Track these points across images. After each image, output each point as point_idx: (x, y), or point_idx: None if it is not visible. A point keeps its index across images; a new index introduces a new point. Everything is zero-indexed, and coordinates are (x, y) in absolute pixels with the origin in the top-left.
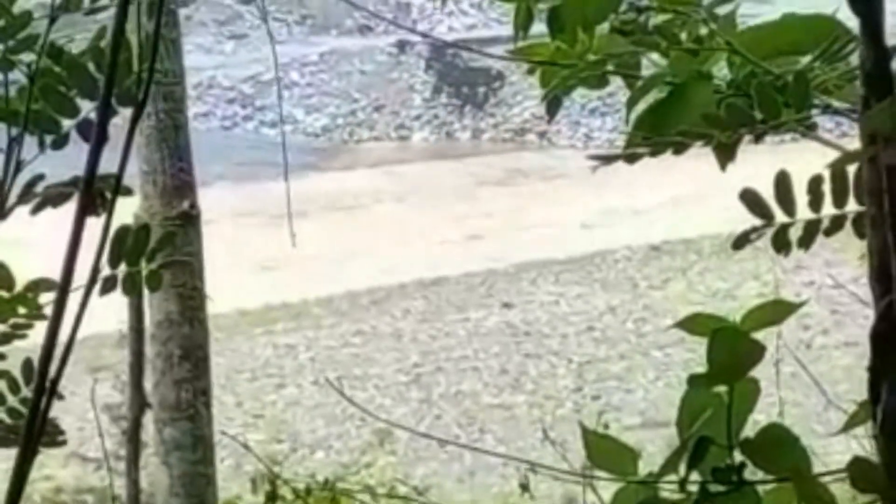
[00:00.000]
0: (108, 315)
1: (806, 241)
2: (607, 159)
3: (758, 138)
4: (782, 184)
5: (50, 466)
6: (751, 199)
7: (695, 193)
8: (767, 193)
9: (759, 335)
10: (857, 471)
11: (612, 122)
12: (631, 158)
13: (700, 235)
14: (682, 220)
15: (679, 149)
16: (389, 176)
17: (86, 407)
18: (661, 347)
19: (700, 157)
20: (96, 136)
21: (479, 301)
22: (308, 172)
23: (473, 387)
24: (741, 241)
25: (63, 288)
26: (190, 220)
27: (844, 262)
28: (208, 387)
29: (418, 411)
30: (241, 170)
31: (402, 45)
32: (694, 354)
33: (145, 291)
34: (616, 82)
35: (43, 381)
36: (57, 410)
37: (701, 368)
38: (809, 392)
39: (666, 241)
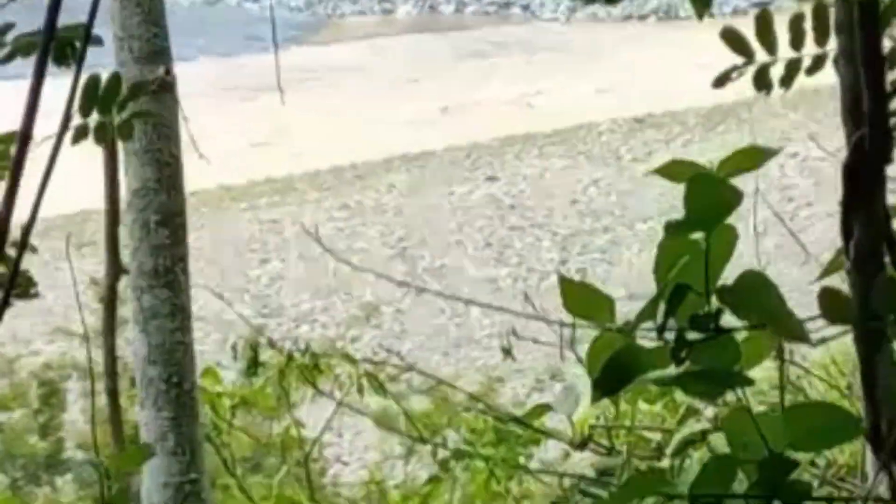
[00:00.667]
0: (95, 192)
1: (787, 81)
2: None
3: None
4: (763, 22)
5: (37, 342)
6: (731, 37)
7: (678, 66)
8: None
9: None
10: (828, 302)
11: None
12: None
13: (684, 108)
14: (665, 91)
15: None
16: (373, 49)
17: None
18: (646, 220)
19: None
20: None
21: (463, 175)
22: (291, 46)
23: (458, 260)
24: (722, 80)
25: (24, 134)
26: (166, 87)
27: (830, 133)
28: (185, 254)
29: (404, 285)
30: (224, 44)
31: None
32: None
33: (121, 160)
34: None
35: (4, 232)
36: (43, 287)
37: None
38: (793, 264)
39: (650, 113)
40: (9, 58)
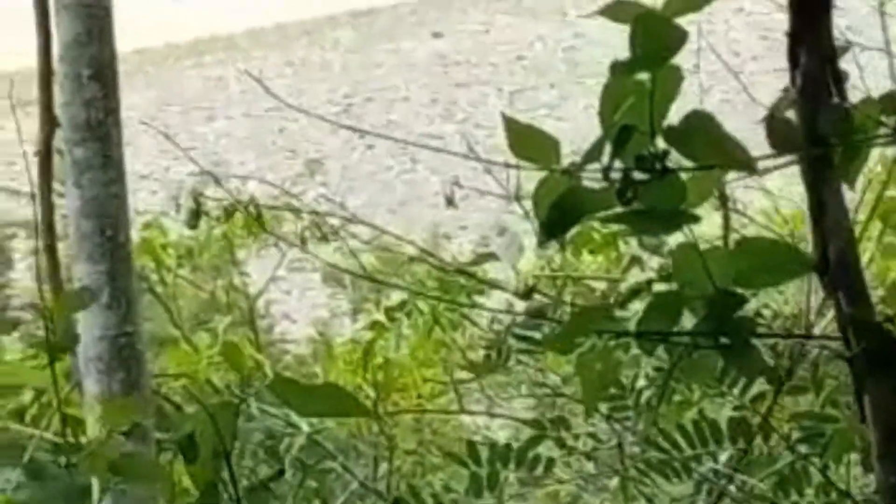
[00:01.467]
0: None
1: None
2: None
3: None
4: None
5: None
6: None
7: None
8: None
9: (686, 56)
10: (775, 129)
11: None
12: None
13: None
14: None
15: None
16: None
17: (15, 141)
18: (596, 76)
19: None
20: None
21: (408, 31)
22: None
23: (404, 117)
24: None
25: None
26: None
27: None
28: (117, 106)
29: (349, 141)
30: None
31: None
32: None
33: (52, 12)
34: None
35: None
36: None
37: None
38: (741, 118)
39: None
40: None
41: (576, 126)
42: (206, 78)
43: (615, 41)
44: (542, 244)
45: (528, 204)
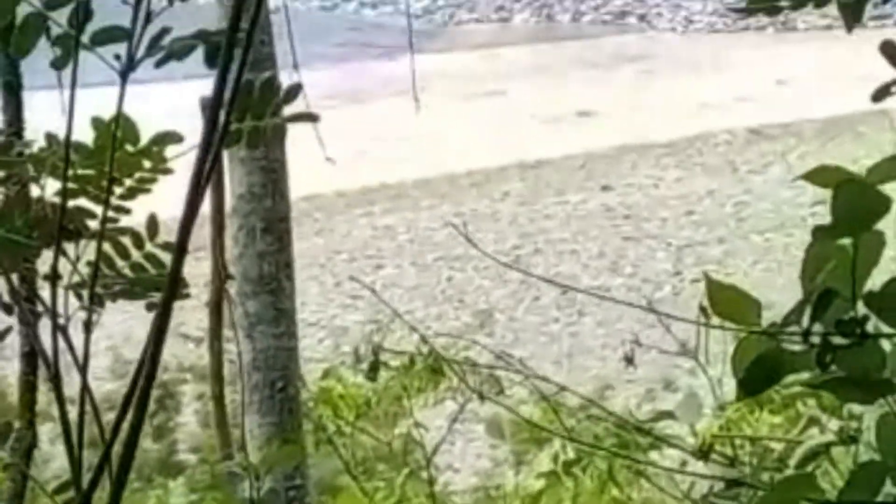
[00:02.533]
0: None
1: None
2: (745, 11)
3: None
4: None
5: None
6: (891, 51)
7: (793, 78)
8: (867, 81)
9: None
10: None
11: (712, 5)
12: (771, 12)
13: (800, 119)
14: (782, 104)
15: (801, 5)
16: (489, 58)
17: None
18: (761, 232)
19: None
20: None
21: (578, 184)
22: (408, 54)
23: (572, 269)
24: (880, 94)
25: (206, 139)
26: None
27: None
28: (291, 260)
29: (517, 293)
30: (341, 51)
31: None
32: (793, 239)
33: (225, 166)
34: None
35: (185, 241)
36: None
37: (800, 252)
38: None
39: (765, 124)
40: (164, 60)
41: (743, 281)
42: (374, 226)
43: (783, 196)
44: (740, 399)
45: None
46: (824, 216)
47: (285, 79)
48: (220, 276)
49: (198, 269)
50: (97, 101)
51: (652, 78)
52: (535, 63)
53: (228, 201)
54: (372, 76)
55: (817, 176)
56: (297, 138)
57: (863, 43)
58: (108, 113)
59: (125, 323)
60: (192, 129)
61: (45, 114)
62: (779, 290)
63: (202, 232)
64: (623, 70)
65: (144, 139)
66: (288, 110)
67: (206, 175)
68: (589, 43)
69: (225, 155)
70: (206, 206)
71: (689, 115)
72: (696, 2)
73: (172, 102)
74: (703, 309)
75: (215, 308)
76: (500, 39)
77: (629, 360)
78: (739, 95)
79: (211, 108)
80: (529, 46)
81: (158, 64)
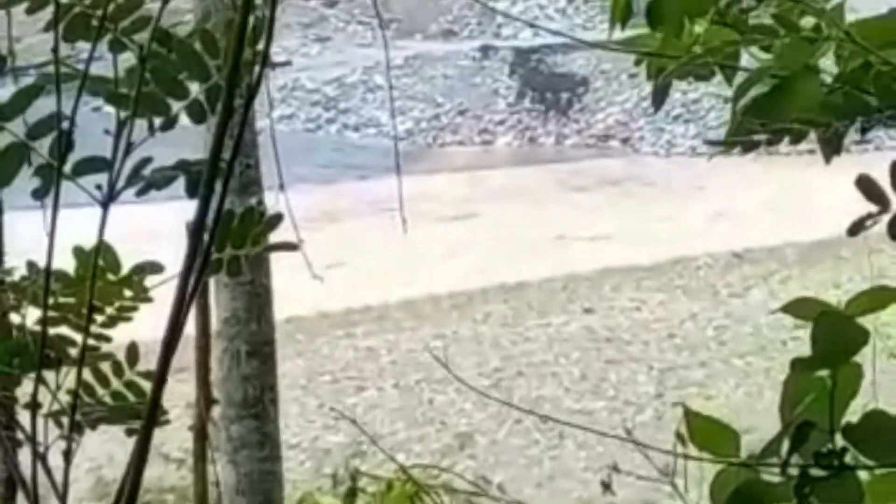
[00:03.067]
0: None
1: None
2: (721, 144)
3: (864, 131)
4: None
5: None
6: (866, 185)
7: (776, 202)
8: (851, 204)
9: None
10: None
11: (694, 129)
12: (748, 147)
13: (783, 243)
14: (764, 228)
15: (777, 141)
16: (472, 180)
17: (167, 406)
18: (742, 356)
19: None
20: (223, 114)
21: (560, 306)
22: (390, 176)
23: (554, 392)
24: (856, 228)
25: (187, 270)
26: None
27: None
28: (275, 384)
29: (498, 415)
30: (325, 172)
31: (486, 50)
32: (773, 363)
33: (211, 289)
34: (701, 88)
35: (164, 371)
36: None
37: (781, 376)
38: None
39: (748, 248)
40: (145, 190)
41: (724, 405)
42: (356, 348)
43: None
44: None
45: (681, 484)
46: (804, 340)
47: (272, 199)
48: (205, 399)
49: (181, 390)
50: (82, 222)
51: (634, 201)
52: (517, 185)
53: (214, 324)
54: (355, 197)
55: (797, 308)
56: (279, 259)
57: (845, 167)
58: (91, 235)
59: (107, 444)
60: (174, 250)
61: (28, 234)
62: (760, 415)
63: (186, 353)
64: (605, 193)
65: (128, 261)
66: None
67: (187, 303)
68: (572, 166)
69: (211, 278)
70: (191, 328)
71: (670, 238)
72: (679, 125)
73: (154, 224)
74: (680, 436)
75: (200, 432)
76: (484, 162)
77: (606, 487)
78: (721, 219)
79: (192, 236)
80: (512, 169)
81: (139, 193)
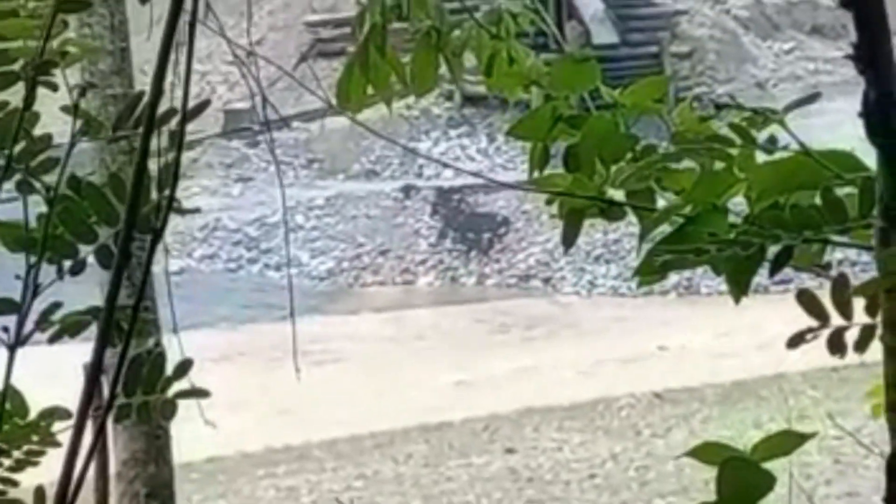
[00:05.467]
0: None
1: (862, 344)
2: (652, 271)
3: (773, 272)
4: (840, 288)
5: None
6: (807, 300)
7: (696, 342)
8: (772, 342)
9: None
10: None
11: (616, 270)
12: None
13: (703, 384)
14: (685, 368)
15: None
16: (394, 320)
17: None
18: (664, 496)
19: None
20: (118, 260)
21: (481, 446)
22: (312, 315)
23: None
24: (796, 341)
25: (81, 415)
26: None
27: (848, 411)
28: None
29: None
30: (245, 312)
31: (407, 190)
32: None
33: (110, 431)
34: (621, 229)
35: None
36: None
37: None
38: None
39: (669, 388)
40: (56, 336)
41: None
42: (278, 488)
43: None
44: None
45: None
46: None
47: (187, 340)
48: None
49: None
50: None
51: (555, 341)
52: (438, 325)
53: (112, 466)
54: (276, 337)
55: (703, 452)
56: (196, 403)
57: (765, 308)
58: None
59: None
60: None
61: None
62: None
63: (87, 496)
64: (526, 332)
65: (37, 403)
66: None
67: (90, 448)
68: (492, 306)
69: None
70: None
71: (591, 379)
72: (600, 265)
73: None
74: None
75: None
76: (405, 302)
77: None
78: (641, 359)
79: (89, 380)
80: (433, 309)
81: (51, 340)
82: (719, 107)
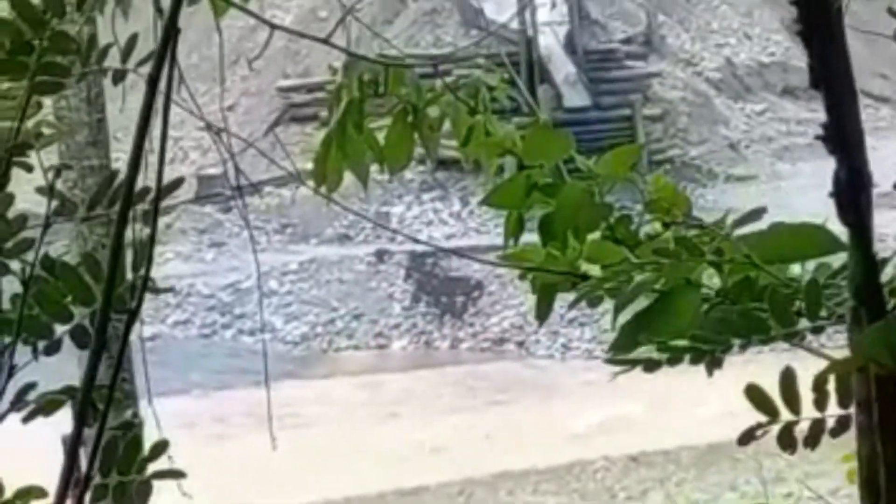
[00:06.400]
0: None
1: (812, 441)
2: (622, 363)
3: (743, 347)
4: (787, 381)
5: None
6: (756, 395)
7: (671, 404)
8: (744, 407)
9: None
10: None
11: (590, 333)
12: (650, 367)
13: (678, 446)
14: (660, 431)
15: (668, 362)
16: (368, 385)
17: None
18: None
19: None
20: (96, 343)
21: None
22: (286, 380)
23: None
24: (746, 438)
25: (61, 496)
26: (132, 429)
27: (824, 473)
28: None
29: None
30: (219, 377)
31: (381, 254)
32: None
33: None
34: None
35: None
36: None
37: None
38: None
39: (644, 451)
40: (31, 416)
41: None
42: None
43: None
44: None
45: None
46: None
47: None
48: None
49: None
50: None
51: (529, 404)
52: (413, 389)
53: None
54: (250, 402)
55: None
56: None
57: (742, 370)
58: None
59: None
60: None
61: None
62: None
63: None
64: (501, 396)
65: (13, 481)
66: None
67: None
68: (466, 369)
69: None
70: None
71: (566, 442)
72: (574, 328)
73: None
74: None
75: None
76: (379, 366)
77: None
78: (617, 422)
79: (68, 457)
80: (407, 373)
81: (26, 420)
82: (666, 225)
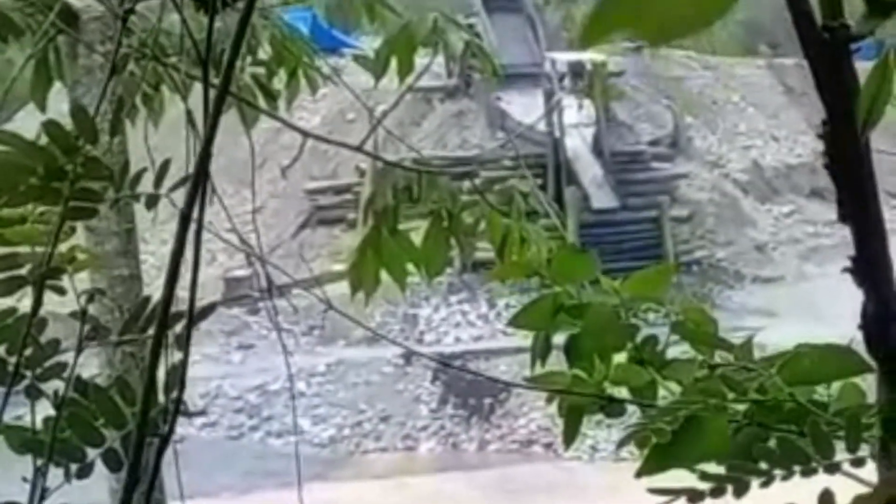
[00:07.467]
0: None
1: None
2: (665, 493)
3: (785, 478)
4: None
5: None
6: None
7: None
8: None
9: None
10: None
11: (617, 434)
12: (694, 498)
13: None
14: None
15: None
16: (396, 487)
17: None
18: None
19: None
20: (129, 473)
21: None
22: (315, 482)
23: None
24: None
25: None
26: None
27: None
28: None
29: None
30: (247, 480)
31: (408, 357)
32: None
33: None
34: (623, 393)
35: None
36: None
37: None
38: None
39: None
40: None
41: None
42: None
43: None
44: None
45: None
46: None
47: None
48: None
49: None
50: None
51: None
52: (441, 491)
53: None
54: None
55: None
56: None
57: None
58: None
59: None
60: None
61: None
62: None
63: None
64: (530, 499)
65: None
66: None
67: None
68: (495, 472)
69: None
70: None
71: None
72: (602, 430)
73: None
74: None
75: None
76: (407, 468)
77: None
78: None
79: None
80: (436, 475)
81: None
82: (713, 367)
